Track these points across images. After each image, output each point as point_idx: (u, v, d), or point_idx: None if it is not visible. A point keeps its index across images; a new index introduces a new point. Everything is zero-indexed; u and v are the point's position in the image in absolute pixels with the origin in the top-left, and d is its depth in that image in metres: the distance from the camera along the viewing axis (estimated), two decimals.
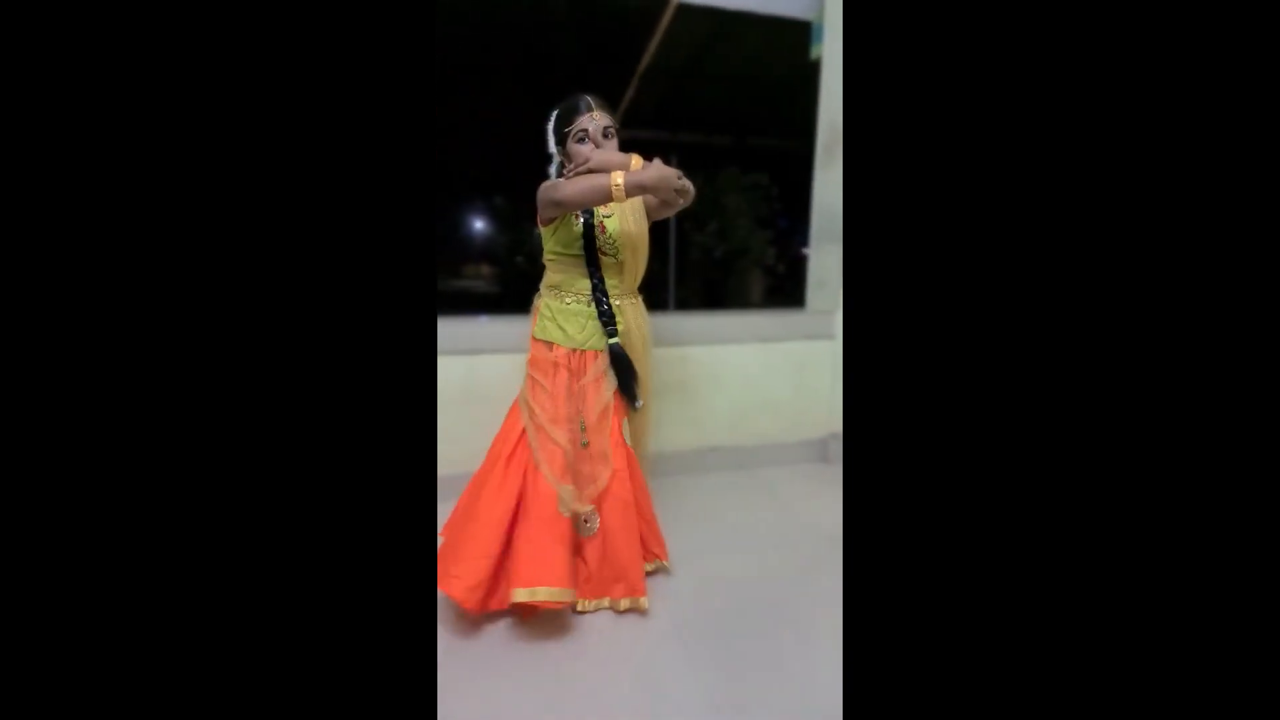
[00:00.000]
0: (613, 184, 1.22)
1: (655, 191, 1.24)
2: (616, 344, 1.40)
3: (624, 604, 1.40)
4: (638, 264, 1.44)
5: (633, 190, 1.23)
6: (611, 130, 1.35)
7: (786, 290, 2.46)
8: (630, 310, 1.45)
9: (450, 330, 1.99)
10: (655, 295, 2.48)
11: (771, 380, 2.31)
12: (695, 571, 1.58)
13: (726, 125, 2.26)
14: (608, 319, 1.39)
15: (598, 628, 1.36)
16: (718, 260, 2.39)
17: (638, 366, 1.45)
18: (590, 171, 1.29)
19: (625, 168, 1.26)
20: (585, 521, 1.41)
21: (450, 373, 1.96)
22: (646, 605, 1.40)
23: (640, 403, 1.45)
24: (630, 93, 2.00)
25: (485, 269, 3.10)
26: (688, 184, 1.25)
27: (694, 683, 1.19)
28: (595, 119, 1.33)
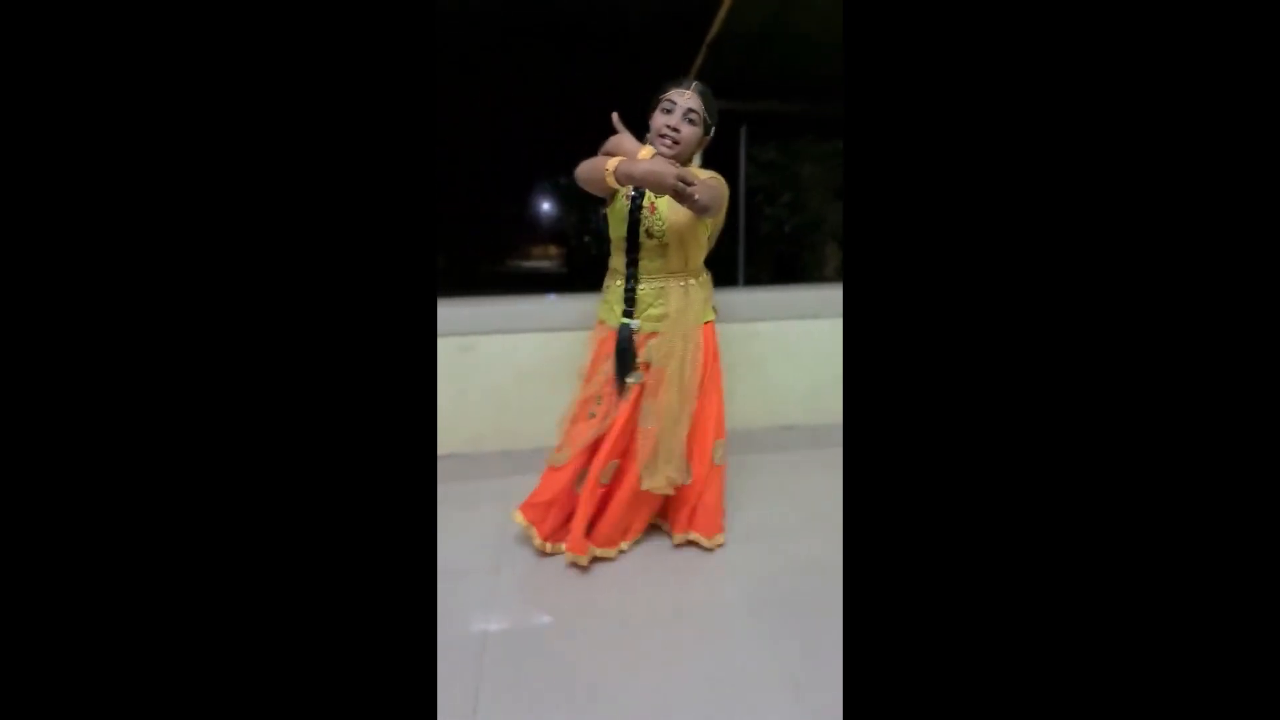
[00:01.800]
0: (605, 169, 1.27)
1: (646, 186, 1.26)
2: (625, 325, 1.44)
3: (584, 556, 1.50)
4: (685, 251, 1.43)
5: (621, 178, 1.27)
6: (696, 116, 1.36)
7: None
8: (677, 294, 1.44)
9: (522, 309, 2.04)
10: (723, 272, 2.43)
11: None
12: (769, 550, 1.56)
13: (801, 92, 2.17)
14: (629, 298, 1.44)
15: (672, 604, 1.37)
16: (789, 234, 2.31)
17: (681, 352, 1.44)
18: (606, 154, 1.34)
19: (635, 156, 1.30)
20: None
21: (523, 349, 2.00)
22: (602, 556, 1.51)
23: (630, 382, 1.46)
24: (699, 61, 1.95)
25: (553, 250, 3.16)
26: (696, 191, 1.19)
27: (770, 660, 1.18)
28: (686, 97, 1.36)
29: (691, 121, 1.35)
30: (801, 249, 2.36)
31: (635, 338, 1.45)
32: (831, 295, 2.24)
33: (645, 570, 1.49)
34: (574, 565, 1.47)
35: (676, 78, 1.38)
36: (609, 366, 1.47)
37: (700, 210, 1.23)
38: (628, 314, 1.44)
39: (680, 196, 1.19)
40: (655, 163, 1.25)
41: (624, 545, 1.55)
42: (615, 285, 1.48)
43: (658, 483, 1.46)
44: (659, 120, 1.36)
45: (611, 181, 1.27)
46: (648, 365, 1.47)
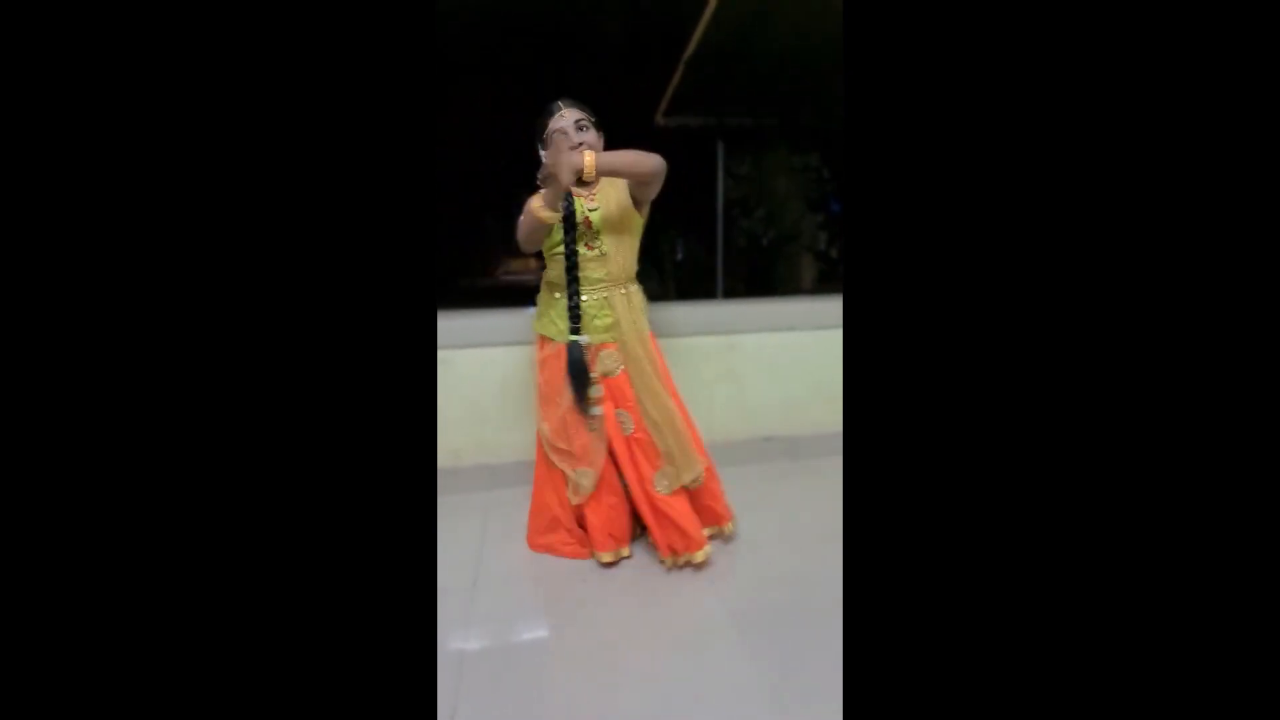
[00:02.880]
0: (533, 209, 1.35)
1: (619, 168, 1.31)
2: (575, 343, 1.43)
3: (605, 557, 1.52)
4: (622, 253, 1.44)
5: (604, 170, 1.31)
6: (585, 122, 1.41)
7: (840, 276, 2.40)
8: (621, 302, 1.45)
9: (500, 322, 2.03)
10: (702, 283, 2.46)
11: (827, 368, 2.26)
12: (752, 562, 1.56)
13: (775, 106, 2.20)
14: (574, 315, 1.43)
15: (653, 619, 1.36)
16: (765, 246, 2.34)
17: (633, 357, 1.45)
18: (540, 185, 1.38)
19: (575, 166, 1.31)
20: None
21: (501, 363, 1.99)
22: (627, 554, 1.55)
23: (595, 411, 1.45)
24: (676, 80, 1.98)
25: (532, 263, 3.16)
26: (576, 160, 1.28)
27: (752, 674, 1.18)
28: (565, 117, 1.41)
29: (584, 128, 1.41)
30: (778, 261, 2.39)
31: (587, 352, 1.44)
32: (809, 307, 2.27)
33: (625, 585, 1.49)
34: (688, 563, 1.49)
35: (544, 112, 1.43)
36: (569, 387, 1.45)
37: (649, 171, 1.32)
38: (575, 330, 1.43)
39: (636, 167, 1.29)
40: (558, 161, 1.30)
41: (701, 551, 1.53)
42: (556, 299, 1.47)
43: (685, 480, 1.49)
44: (563, 148, 1.35)
45: (552, 215, 1.33)
46: (605, 376, 1.46)
